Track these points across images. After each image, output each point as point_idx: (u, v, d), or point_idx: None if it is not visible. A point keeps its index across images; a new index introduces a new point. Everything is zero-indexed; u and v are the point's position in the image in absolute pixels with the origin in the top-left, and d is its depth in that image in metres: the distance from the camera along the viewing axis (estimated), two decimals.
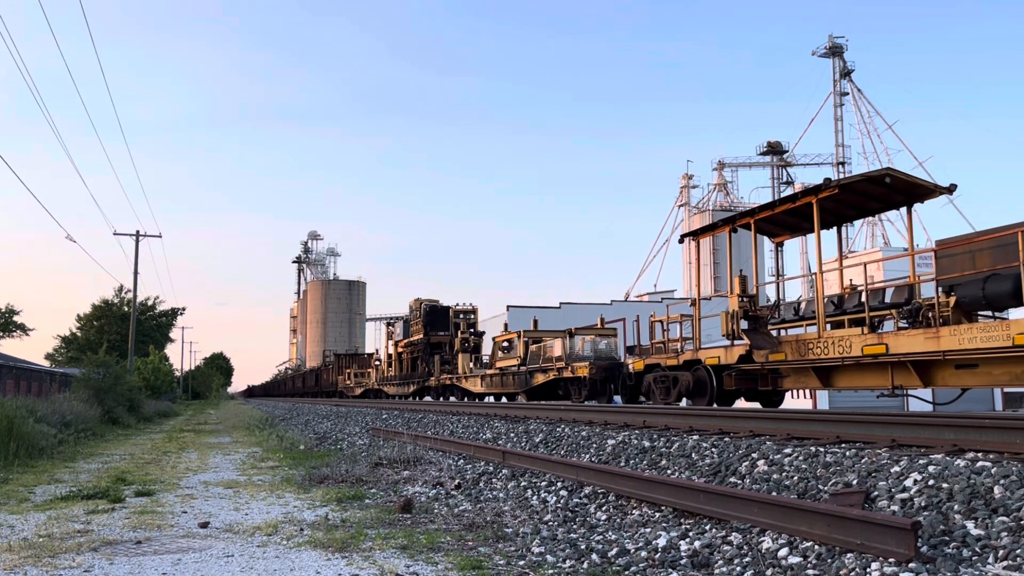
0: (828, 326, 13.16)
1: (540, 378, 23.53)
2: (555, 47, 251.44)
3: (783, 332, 15.25)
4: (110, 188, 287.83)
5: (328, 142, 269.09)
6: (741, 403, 16.48)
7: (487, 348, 33.66)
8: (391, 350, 42.52)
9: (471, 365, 30.88)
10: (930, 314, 11.67)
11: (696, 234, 16.94)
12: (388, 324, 44.78)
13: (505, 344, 28.19)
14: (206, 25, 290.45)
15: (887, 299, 13.53)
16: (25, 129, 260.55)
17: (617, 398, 20.33)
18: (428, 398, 35.50)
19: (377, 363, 46.96)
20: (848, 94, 74.35)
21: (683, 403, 15.90)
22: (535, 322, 29.60)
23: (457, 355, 31.84)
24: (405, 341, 39.36)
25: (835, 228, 15.80)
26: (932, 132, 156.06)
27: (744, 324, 13.95)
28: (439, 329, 35.82)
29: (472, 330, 33.79)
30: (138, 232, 47.84)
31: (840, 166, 74.44)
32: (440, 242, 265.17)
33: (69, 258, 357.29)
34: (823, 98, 75.41)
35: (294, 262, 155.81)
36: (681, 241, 18.14)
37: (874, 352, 11.42)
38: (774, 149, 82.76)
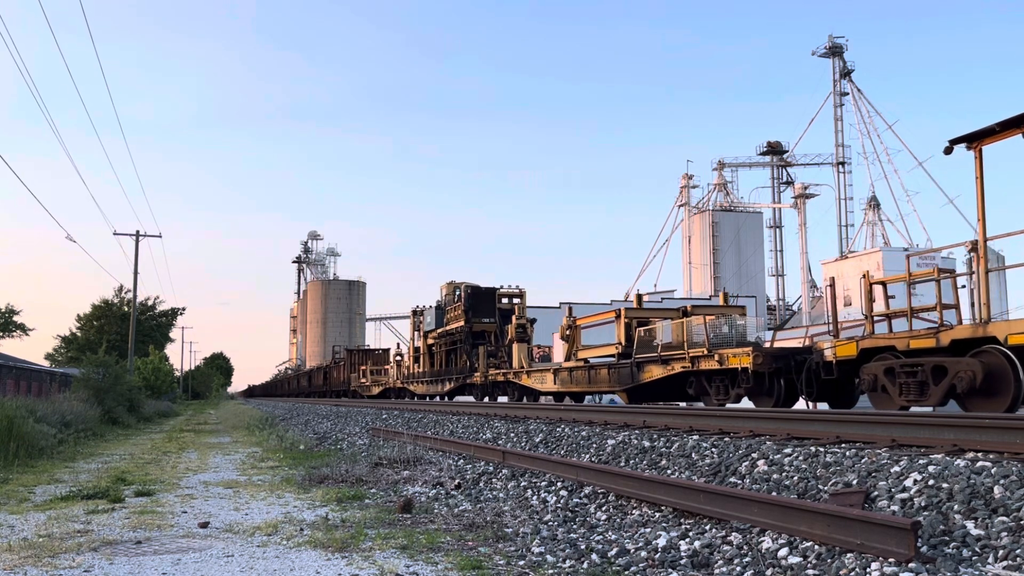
0: None
1: (655, 372, 17.67)
2: (553, 45, 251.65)
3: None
4: (110, 188, 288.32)
5: (329, 141, 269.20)
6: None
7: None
8: (418, 342, 37.28)
9: (526, 358, 25.86)
10: None
11: (978, 138, 10.50)
12: (414, 313, 39.31)
13: (567, 333, 22.92)
14: (205, 23, 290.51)
15: None
16: (25, 129, 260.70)
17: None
18: (469, 398, 29.95)
19: (399, 359, 42.33)
20: (848, 94, 74.38)
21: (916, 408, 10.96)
22: (639, 298, 23.17)
23: (511, 345, 26.40)
24: (438, 331, 34.01)
25: None
26: (932, 132, 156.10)
27: None
28: (483, 316, 30.49)
29: (524, 316, 28.02)
30: (138, 232, 47.86)
31: (840, 166, 74.47)
32: (439, 242, 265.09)
33: (69, 258, 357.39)
34: (823, 98, 75.43)
35: (294, 262, 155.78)
36: (949, 151, 10.75)
37: None
38: (774, 149, 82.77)
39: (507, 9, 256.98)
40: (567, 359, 22.68)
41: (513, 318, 27.59)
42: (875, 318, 12.79)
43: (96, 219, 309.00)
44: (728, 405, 15.14)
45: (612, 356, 20.02)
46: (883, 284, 13.11)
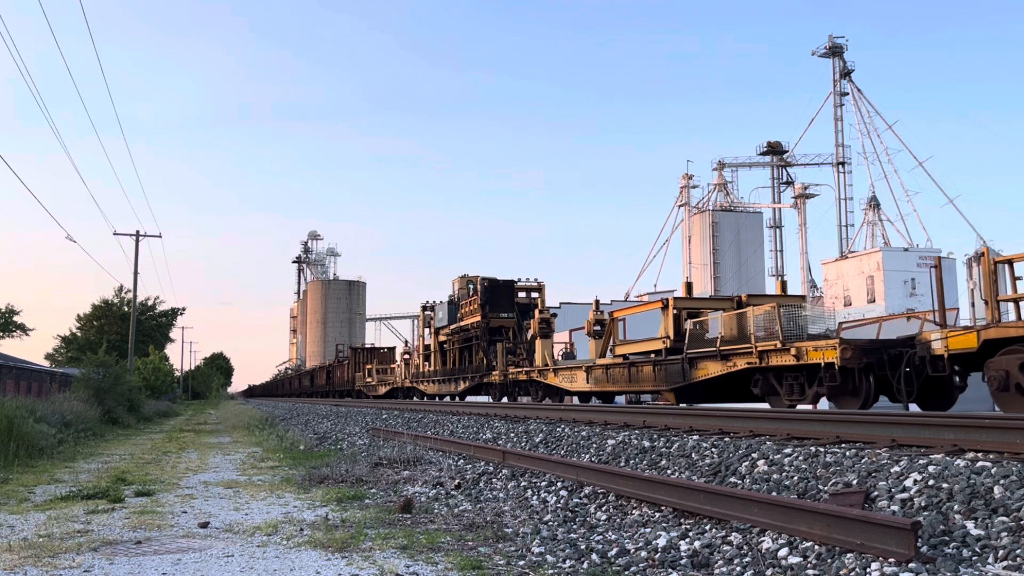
0: None
1: (712, 369, 15.53)
2: (554, 46, 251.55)
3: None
4: (110, 188, 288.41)
5: (329, 141, 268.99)
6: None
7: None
8: (428, 339, 35.85)
9: (550, 355, 24.17)
10: None
11: None
12: (424, 308, 37.49)
13: (596, 328, 21.02)
14: (204, 24, 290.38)
15: None
16: (25, 129, 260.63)
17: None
18: (485, 398, 28.49)
19: (406, 357, 41.28)
20: (848, 94, 74.31)
21: None
22: (688, 286, 20.49)
23: (534, 341, 24.63)
24: (451, 327, 32.40)
25: None
26: (932, 132, 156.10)
27: None
28: (501, 310, 28.84)
29: (546, 310, 26.15)
30: (138, 232, 47.83)
31: (840, 166, 74.45)
32: (438, 242, 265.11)
33: (69, 258, 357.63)
34: (823, 98, 75.36)
35: (294, 262, 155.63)
36: None
37: None
38: (774, 149, 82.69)
39: (507, 11, 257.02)
40: (601, 355, 20.58)
41: (536, 312, 25.73)
42: (999, 303, 11.10)
43: (96, 219, 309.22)
44: (801, 407, 13.39)
45: (656, 352, 17.94)
46: (1009, 263, 11.05)
